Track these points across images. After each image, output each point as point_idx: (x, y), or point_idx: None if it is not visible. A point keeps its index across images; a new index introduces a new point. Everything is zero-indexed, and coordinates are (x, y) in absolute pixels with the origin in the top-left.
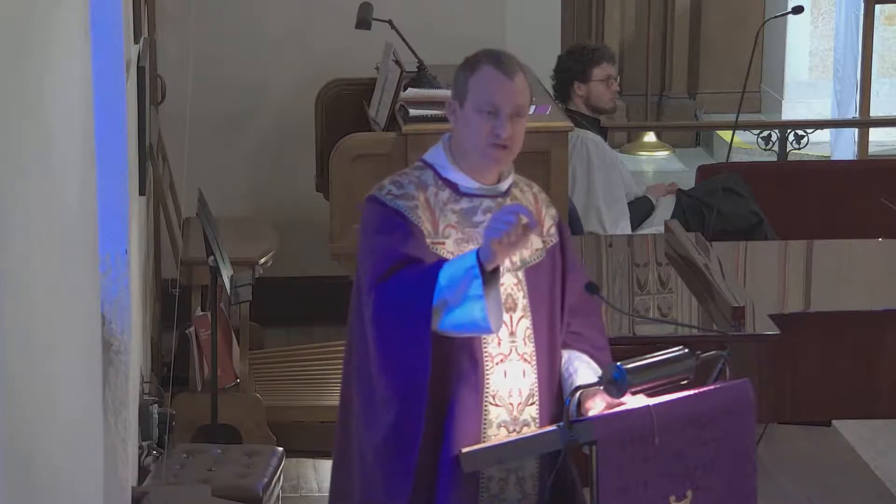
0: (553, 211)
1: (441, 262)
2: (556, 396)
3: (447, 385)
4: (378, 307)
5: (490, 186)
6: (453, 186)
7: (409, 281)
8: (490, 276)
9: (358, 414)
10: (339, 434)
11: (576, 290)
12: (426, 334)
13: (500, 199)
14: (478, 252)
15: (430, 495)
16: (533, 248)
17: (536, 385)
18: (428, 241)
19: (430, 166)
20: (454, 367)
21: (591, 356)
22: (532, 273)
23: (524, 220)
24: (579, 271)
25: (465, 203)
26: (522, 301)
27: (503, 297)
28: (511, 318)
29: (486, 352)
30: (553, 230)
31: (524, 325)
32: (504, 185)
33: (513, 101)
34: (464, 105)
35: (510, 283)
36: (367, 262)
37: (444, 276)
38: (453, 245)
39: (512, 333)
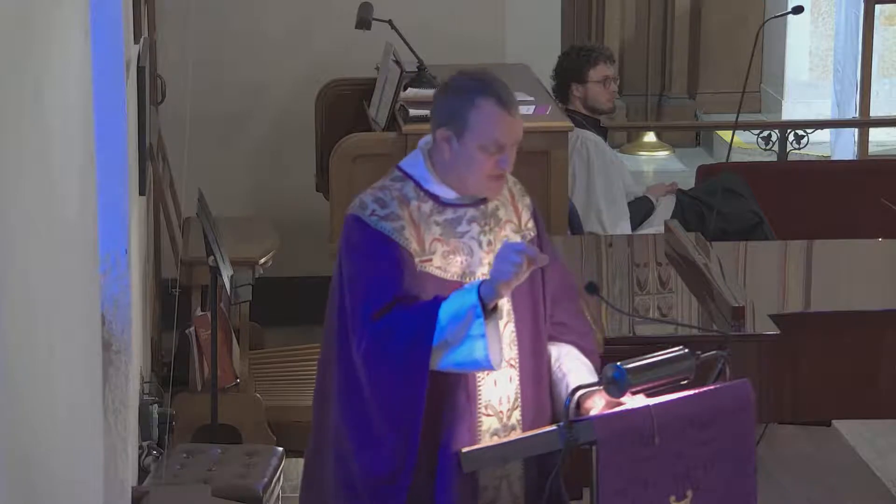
0: (527, 200)
1: (437, 299)
2: (540, 397)
3: (442, 398)
4: (373, 348)
5: (471, 196)
6: (435, 198)
7: (407, 322)
8: (489, 313)
9: (345, 441)
10: (313, 458)
11: (555, 278)
12: (424, 375)
13: (482, 207)
14: (479, 289)
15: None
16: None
17: (519, 388)
18: (416, 260)
19: (410, 178)
20: (447, 383)
21: (579, 346)
22: None
23: (529, 257)
24: (557, 259)
25: (448, 214)
26: (507, 306)
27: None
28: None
29: None
30: (530, 223)
31: (510, 330)
32: None
33: (515, 136)
34: (462, 138)
35: None
36: (356, 293)
37: (444, 315)
38: (440, 259)
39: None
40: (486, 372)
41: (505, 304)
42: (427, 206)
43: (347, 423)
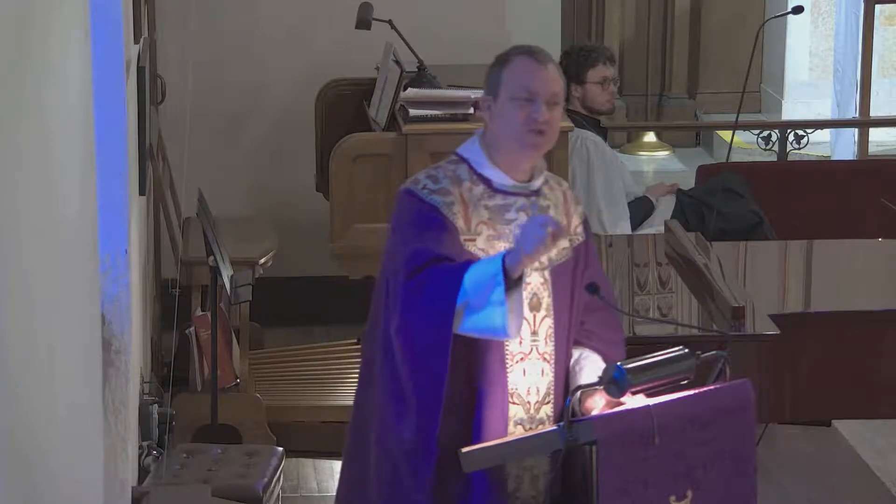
0: (580, 209)
1: (467, 263)
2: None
3: (471, 384)
4: (405, 306)
5: (523, 184)
6: (487, 182)
7: (434, 281)
8: (513, 283)
9: (385, 412)
10: (353, 434)
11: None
12: (447, 335)
13: (532, 198)
14: (504, 258)
15: (462, 493)
16: (560, 247)
17: (553, 384)
18: (461, 237)
19: (465, 160)
20: (477, 366)
21: (601, 353)
22: (557, 272)
23: (552, 230)
24: (599, 268)
25: (498, 200)
26: (547, 300)
27: (529, 295)
28: (535, 317)
29: (507, 350)
30: (580, 228)
31: (546, 325)
32: (536, 183)
33: (548, 87)
34: (498, 98)
35: (536, 283)
36: (398, 257)
37: (469, 279)
38: (484, 242)
39: (534, 333)
40: (515, 359)
41: (545, 298)
42: (479, 189)
43: (389, 403)
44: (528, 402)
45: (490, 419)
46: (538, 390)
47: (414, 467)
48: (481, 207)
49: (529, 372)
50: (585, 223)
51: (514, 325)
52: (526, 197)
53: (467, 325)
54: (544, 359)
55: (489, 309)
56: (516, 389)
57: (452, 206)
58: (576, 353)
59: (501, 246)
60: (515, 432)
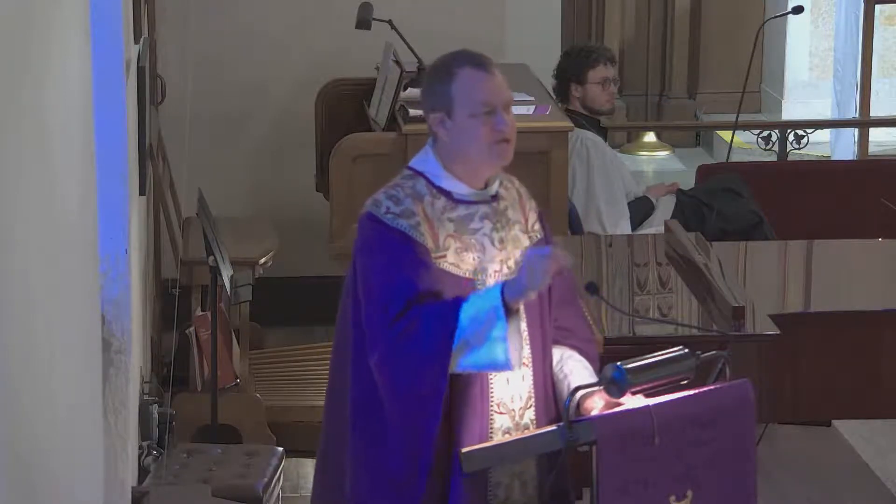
0: (534, 203)
1: (458, 300)
2: (550, 397)
3: (455, 398)
4: (392, 351)
5: (482, 191)
6: (447, 194)
7: (426, 325)
8: (511, 315)
9: (360, 446)
10: (322, 461)
11: (560, 281)
12: (444, 377)
13: (493, 204)
14: (502, 291)
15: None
16: (522, 246)
17: (533, 387)
18: (431, 255)
19: (421, 174)
20: (460, 380)
21: (581, 351)
22: None
23: (559, 263)
24: None
25: (461, 210)
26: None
27: None
28: None
29: None
30: (537, 226)
31: (521, 328)
32: (494, 189)
33: (502, 94)
34: (453, 115)
35: None
36: (372, 296)
37: (465, 316)
38: (453, 255)
39: None
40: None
41: None
42: (440, 202)
43: (362, 428)
44: (514, 410)
45: (473, 431)
46: (521, 396)
47: (400, 495)
48: (445, 221)
49: (512, 379)
50: (541, 217)
51: (515, 358)
52: (487, 204)
53: (465, 363)
54: (524, 364)
55: (489, 345)
56: (502, 399)
57: (419, 226)
58: (556, 354)
59: (470, 257)
60: (490, 443)
